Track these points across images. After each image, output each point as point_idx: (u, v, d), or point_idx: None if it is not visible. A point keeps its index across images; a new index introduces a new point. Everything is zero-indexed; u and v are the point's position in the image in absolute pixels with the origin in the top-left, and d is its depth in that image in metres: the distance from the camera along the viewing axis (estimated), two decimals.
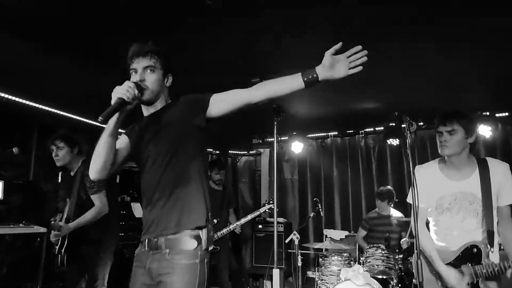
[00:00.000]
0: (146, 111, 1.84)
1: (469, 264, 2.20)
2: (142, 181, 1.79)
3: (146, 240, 1.72)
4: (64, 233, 2.99)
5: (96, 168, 1.73)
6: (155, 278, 1.65)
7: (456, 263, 2.25)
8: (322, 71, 1.58)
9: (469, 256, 2.22)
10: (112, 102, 1.59)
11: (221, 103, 1.69)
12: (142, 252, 1.74)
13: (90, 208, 3.03)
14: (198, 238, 1.66)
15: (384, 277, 3.78)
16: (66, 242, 3.02)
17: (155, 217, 1.70)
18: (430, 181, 2.35)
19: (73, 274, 3.20)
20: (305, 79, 1.58)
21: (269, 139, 6.58)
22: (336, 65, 1.57)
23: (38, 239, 3.93)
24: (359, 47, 1.57)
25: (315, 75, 1.58)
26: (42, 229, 3.88)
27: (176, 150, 1.69)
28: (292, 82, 1.61)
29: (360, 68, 1.57)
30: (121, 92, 1.59)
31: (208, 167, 4.80)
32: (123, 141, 1.84)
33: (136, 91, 1.64)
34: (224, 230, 4.25)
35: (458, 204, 2.29)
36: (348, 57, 1.57)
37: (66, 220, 3.04)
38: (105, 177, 1.78)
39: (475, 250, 2.22)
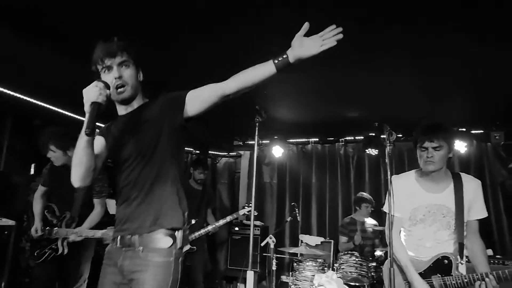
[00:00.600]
0: (123, 110, 1.79)
1: (439, 275, 2.25)
2: (118, 178, 1.76)
3: (119, 237, 1.68)
4: (84, 236, 3.12)
5: (79, 176, 1.65)
6: (127, 276, 1.61)
7: (426, 273, 2.29)
8: (292, 52, 1.56)
9: (439, 267, 2.27)
10: (86, 108, 1.54)
11: (197, 101, 1.66)
12: (114, 249, 1.70)
13: (86, 208, 3.22)
14: (173, 236, 1.63)
15: (357, 284, 3.82)
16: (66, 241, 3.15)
17: (130, 214, 1.67)
18: (406, 192, 2.39)
19: (73, 269, 3.23)
20: (276, 61, 1.57)
21: (250, 142, 6.56)
22: (308, 43, 1.54)
23: (6, 232, 3.80)
24: (333, 26, 1.55)
25: (285, 56, 1.57)
26: (11, 222, 3.76)
27: (154, 150, 1.66)
28: (263, 68, 1.59)
29: (334, 43, 1.53)
30: (94, 96, 1.53)
31: (192, 165, 4.76)
32: (100, 143, 1.77)
33: (108, 91, 1.59)
34: (202, 231, 4.20)
35: (432, 216, 2.34)
36: (321, 36, 1.55)
37: (71, 219, 3.21)
38: (89, 184, 1.71)
39: (445, 261, 2.27)
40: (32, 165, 4.89)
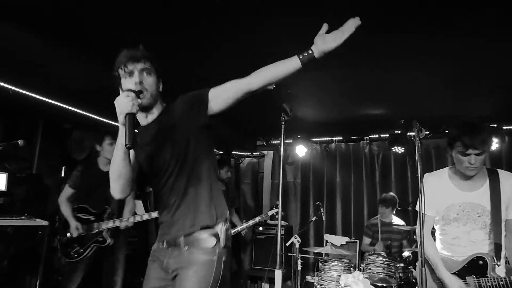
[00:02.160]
0: (144, 119, 1.78)
1: (474, 276, 2.18)
2: (155, 187, 1.80)
3: (165, 240, 1.75)
4: (132, 222, 3.44)
5: (120, 189, 1.69)
6: (171, 273, 1.68)
7: (460, 274, 2.22)
8: (316, 47, 1.59)
9: (474, 267, 2.20)
10: (121, 120, 1.52)
11: (220, 98, 1.65)
12: (160, 249, 1.76)
13: (121, 204, 3.50)
14: (216, 235, 1.68)
15: (384, 285, 3.75)
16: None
17: (171, 219, 1.73)
18: (439, 190, 2.33)
19: (112, 265, 3.47)
20: (301, 57, 1.59)
21: (273, 141, 6.57)
22: (330, 37, 1.58)
23: (40, 232, 3.93)
24: (353, 20, 1.59)
25: (310, 52, 1.59)
26: (44, 222, 3.88)
27: (185, 154, 1.68)
28: (288, 64, 1.61)
29: (353, 29, 1.56)
30: (128, 107, 1.52)
31: (218, 165, 4.81)
32: (131, 155, 1.78)
33: (139, 100, 1.59)
34: (232, 231, 4.25)
35: (466, 215, 2.26)
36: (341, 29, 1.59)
37: (111, 213, 3.46)
38: (128, 195, 1.76)
39: (481, 262, 2.19)
40: (63, 168, 5.05)
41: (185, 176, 1.69)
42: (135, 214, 3.58)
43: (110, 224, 3.37)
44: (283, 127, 2.54)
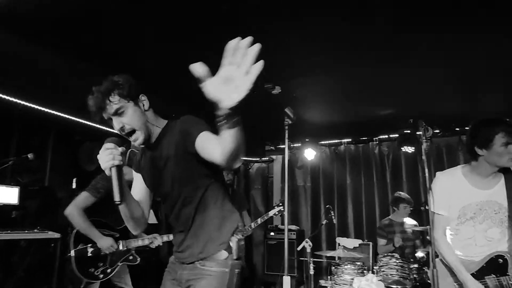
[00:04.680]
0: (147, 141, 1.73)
1: (494, 276, 2.12)
2: (164, 211, 1.83)
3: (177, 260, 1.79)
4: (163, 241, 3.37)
5: (133, 227, 1.71)
6: (184, 284, 1.69)
7: (479, 275, 2.16)
8: (222, 106, 1.07)
9: (494, 267, 2.14)
10: (107, 173, 1.43)
11: (201, 150, 1.50)
12: (175, 261, 1.79)
13: None
14: (228, 248, 1.68)
15: (399, 287, 3.69)
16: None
17: (181, 243, 1.74)
18: (453, 189, 2.27)
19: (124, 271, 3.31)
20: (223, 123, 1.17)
21: (281, 146, 6.56)
22: (230, 87, 1.02)
23: (52, 244, 3.97)
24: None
25: (222, 115, 1.13)
26: (56, 235, 3.92)
27: (186, 183, 1.67)
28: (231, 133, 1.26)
29: (251, 60, 0.98)
30: (109, 161, 1.42)
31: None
32: (140, 182, 1.79)
33: (120, 148, 1.47)
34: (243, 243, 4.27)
35: (483, 213, 2.21)
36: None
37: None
38: (144, 229, 1.78)
39: (500, 260, 2.13)
40: (74, 180, 5.11)
41: (191, 204, 1.68)
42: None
43: (140, 242, 3.22)
44: (286, 131, 2.53)
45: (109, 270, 3.08)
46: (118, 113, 1.60)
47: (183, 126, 1.63)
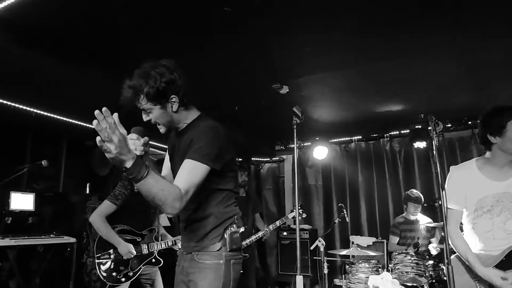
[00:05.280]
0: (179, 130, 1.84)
1: None
2: None
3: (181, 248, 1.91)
4: None
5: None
6: (186, 275, 1.76)
7: (499, 268, 2.10)
8: None
9: None
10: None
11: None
12: (181, 253, 1.88)
13: None
14: (222, 240, 1.72)
15: (415, 284, 3.65)
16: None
17: (182, 233, 1.86)
18: (468, 183, 2.24)
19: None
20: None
21: (291, 145, 6.55)
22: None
23: (69, 248, 4.04)
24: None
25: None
26: (72, 239, 3.99)
27: None
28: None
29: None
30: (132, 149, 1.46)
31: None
32: (166, 162, 1.92)
33: (142, 139, 1.58)
34: (253, 237, 4.24)
35: (501, 205, 2.17)
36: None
37: (158, 233, 3.39)
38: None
39: None
40: (87, 185, 5.18)
41: (192, 203, 1.64)
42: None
43: (163, 245, 3.30)
44: (295, 131, 2.53)
45: (131, 274, 3.15)
46: (145, 111, 1.70)
47: (197, 137, 1.63)
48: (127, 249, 3.11)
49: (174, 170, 1.80)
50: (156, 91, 1.63)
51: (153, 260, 3.28)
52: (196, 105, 1.81)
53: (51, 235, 3.97)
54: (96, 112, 1.26)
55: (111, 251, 3.14)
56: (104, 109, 1.30)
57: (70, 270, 3.94)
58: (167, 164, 1.94)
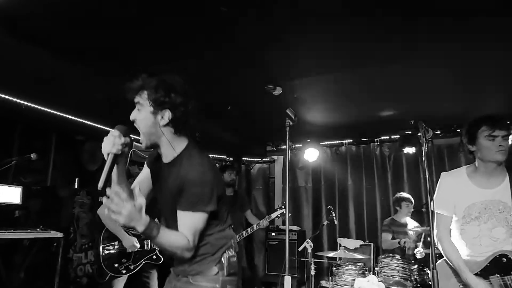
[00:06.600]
0: (163, 155, 1.70)
1: (498, 275, 2.12)
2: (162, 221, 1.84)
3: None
4: None
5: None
6: None
7: (483, 274, 2.16)
8: None
9: (498, 266, 2.14)
10: (106, 158, 1.47)
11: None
12: (173, 275, 1.81)
13: None
14: (219, 264, 1.69)
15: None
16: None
17: (176, 258, 1.77)
18: (458, 190, 2.29)
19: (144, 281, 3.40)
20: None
21: (282, 146, 6.56)
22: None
23: (55, 243, 3.99)
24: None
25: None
26: (59, 234, 3.95)
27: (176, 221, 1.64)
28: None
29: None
30: (107, 147, 1.47)
31: (220, 170, 4.82)
32: (146, 174, 1.82)
33: (123, 139, 1.50)
34: (243, 232, 4.28)
35: (488, 213, 2.22)
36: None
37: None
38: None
39: (504, 259, 2.13)
40: (76, 179, 5.13)
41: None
42: None
43: None
44: (288, 132, 2.54)
45: (132, 267, 3.26)
46: (136, 105, 1.62)
47: (187, 182, 1.57)
48: (131, 243, 3.24)
49: (159, 198, 1.75)
50: (160, 91, 1.57)
51: (154, 257, 3.35)
52: (187, 137, 1.71)
53: (38, 229, 3.93)
54: (109, 191, 1.35)
55: (116, 243, 3.27)
56: (116, 190, 1.39)
57: (56, 265, 3.90)
58: (142, 178, 1.83)
